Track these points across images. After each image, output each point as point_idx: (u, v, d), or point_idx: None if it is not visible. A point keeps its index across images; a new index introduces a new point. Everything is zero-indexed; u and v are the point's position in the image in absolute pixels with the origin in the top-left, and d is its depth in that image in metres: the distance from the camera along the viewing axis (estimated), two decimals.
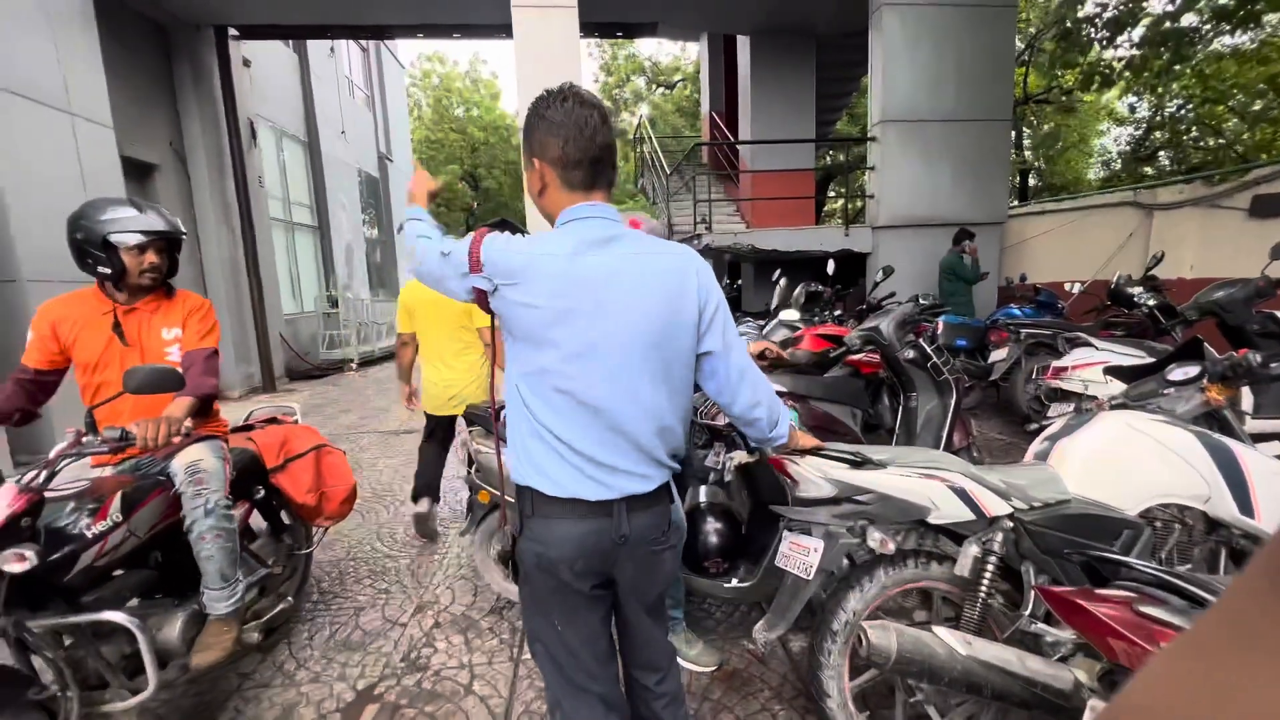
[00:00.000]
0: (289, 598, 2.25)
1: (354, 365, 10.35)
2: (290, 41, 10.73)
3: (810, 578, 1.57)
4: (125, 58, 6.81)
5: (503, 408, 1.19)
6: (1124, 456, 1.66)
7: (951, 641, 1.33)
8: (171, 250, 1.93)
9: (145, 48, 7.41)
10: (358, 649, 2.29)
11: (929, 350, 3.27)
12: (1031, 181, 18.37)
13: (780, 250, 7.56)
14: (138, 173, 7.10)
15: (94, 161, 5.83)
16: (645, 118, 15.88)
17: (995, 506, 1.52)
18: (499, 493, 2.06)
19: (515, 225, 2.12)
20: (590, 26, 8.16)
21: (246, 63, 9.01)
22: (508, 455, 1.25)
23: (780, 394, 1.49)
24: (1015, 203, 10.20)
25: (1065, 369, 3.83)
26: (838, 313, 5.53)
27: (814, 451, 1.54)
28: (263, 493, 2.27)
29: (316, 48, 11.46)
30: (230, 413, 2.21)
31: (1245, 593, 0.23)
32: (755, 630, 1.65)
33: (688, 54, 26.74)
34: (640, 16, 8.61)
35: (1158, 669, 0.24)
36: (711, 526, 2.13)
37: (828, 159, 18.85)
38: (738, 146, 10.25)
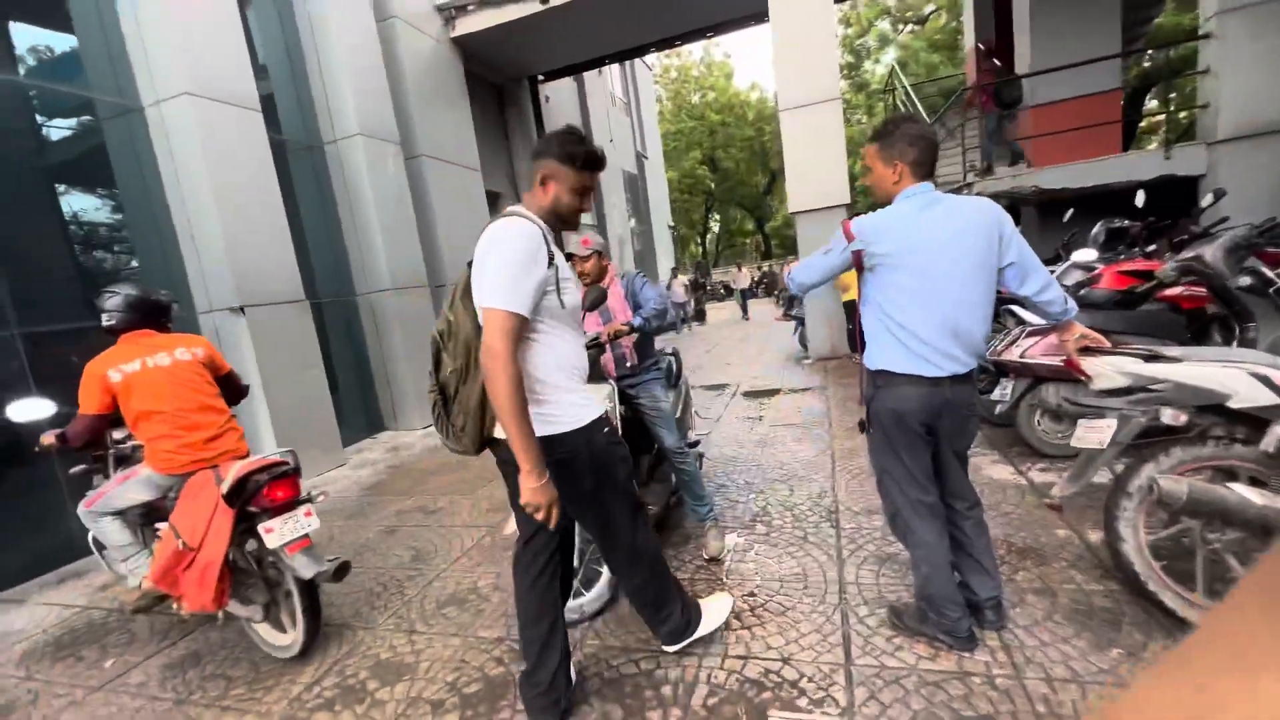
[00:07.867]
0: None
1: None
2: None
3: (1104, 448, 1.93)
4: (480, 116, 9.26)
5: None
6: None
7: (1245, 493, 1.61)
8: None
9: (490, 104, 9.93)
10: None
11: (1270, 274, 3.00)
12: None
13: (1069, 188, 6.80)
14: (491, 200, 9.61)
15: (471, 197, 8.22)
16: (893, 63, 14.89)
17: None
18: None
19: (605, 293, 2.26)
20: None
21: (546, 99, 11.30)
22: None
23: None
24: None
25: None
26: (1151, 249, 4.94)
27: (1097, 350, 1.89)
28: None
29: (589, 73, 13.62)
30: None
31: (1232, 611, 0.23)
32: (1055, 488, 2.05)
33: None
34: None
35: (1146, 684, 0.24)
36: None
37: (1146, 64, 15.21)
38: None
